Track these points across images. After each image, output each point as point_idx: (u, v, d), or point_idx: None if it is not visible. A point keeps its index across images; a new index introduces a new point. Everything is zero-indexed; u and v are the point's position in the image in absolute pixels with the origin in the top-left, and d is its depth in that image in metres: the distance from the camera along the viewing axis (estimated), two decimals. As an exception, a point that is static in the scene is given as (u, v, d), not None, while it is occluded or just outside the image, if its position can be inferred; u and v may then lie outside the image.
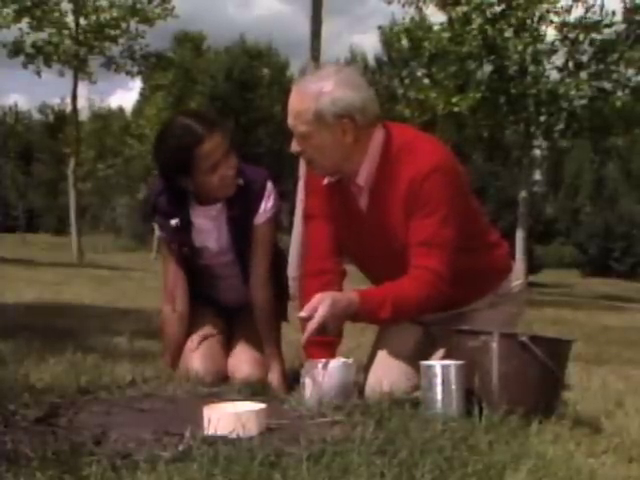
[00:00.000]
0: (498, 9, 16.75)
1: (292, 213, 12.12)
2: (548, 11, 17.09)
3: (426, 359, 2.24)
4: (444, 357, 2.27)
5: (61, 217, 40.52)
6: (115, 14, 21.36)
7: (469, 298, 2.49)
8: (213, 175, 2.51)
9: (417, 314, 2.38)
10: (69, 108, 25.06)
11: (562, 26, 17.30)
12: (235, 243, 2.68)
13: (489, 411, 2.01)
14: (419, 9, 17.44)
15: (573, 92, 16.75)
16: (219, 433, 1.78)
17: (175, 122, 2.55)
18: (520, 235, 17.23)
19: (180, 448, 1.64)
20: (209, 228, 2.68)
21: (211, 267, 2.76)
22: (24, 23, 20.81)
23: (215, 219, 2.66)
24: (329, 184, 2.42)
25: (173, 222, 2.65)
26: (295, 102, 2.28)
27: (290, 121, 2.31)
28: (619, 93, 17.29)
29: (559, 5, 17.14)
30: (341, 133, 2.27)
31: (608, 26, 17.09)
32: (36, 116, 59.50)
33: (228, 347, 2.76)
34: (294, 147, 2.34)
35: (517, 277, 2.64)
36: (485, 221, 2.58)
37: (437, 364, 2.10)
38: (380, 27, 26.91)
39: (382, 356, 2.56)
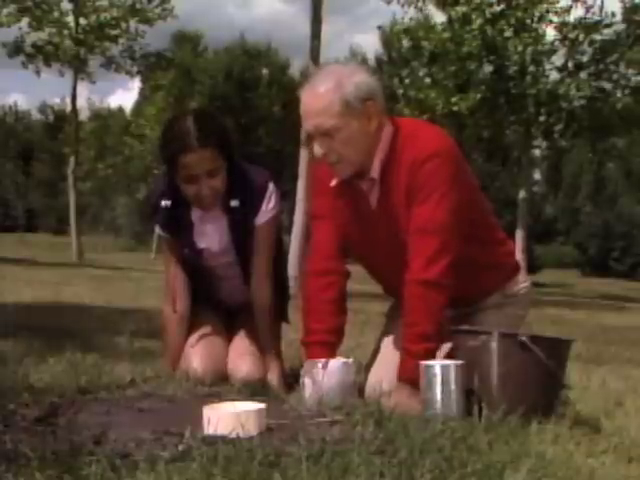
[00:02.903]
0: (498, 9, 16.76)
1: (292, 213, 12.13)
2: (548, 11, 17.13)
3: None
4: (446, 357, 2.26)
5: (61, 217, 40.53)
6: (115, 14, 21.37)
7: (477, 293, 2.46)
8: (190, 185, 2.51)
9: (443, 314, 2.30)
10: (69, 108, 25.07)
11: (562, 26, 17.32)
12: (236, 244, 2.67)
13: (489, 411, 2.01)
14: (419, 9, 17.46)
15: (573, 92, 16.76)
16: (219, 433, 1.78)
17: (180, 120, 2.52)
18: (520, 235, 17.26)
19: (180, 448, 1.64)
20: (210, 229, 2.67)
21: (212, 268, 2.76)
22: (24, 23, 20.83)
23: (216, 220, 2.66)
24: (338, 185, 2.41)
25: (164, 203, 2.63)
26: (314, 102, 2.26)
27: (312, 122, 2.27)
28: (619, 94, 17.31)
29: (559, 5, 17.16)
30: (367, 119, 2.27)
31: (608, 26, 17.11)
32: (36, 116, 59.57)
33: (228, 347, 2.76)
34: (317, 151, 2.31)
35: (524, 279, 2.62)
36: (493, 218, 2.57)
37: (436, 364, 2.10)
38: (380, 27, 26.95)
39: (384, 356, 2.56)
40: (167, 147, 2.50)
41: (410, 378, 2.19)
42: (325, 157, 2.32)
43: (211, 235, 2.68)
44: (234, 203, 2.60)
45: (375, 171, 2.34)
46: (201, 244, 2.69)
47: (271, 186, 2.64)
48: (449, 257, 2.25)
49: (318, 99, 2.25)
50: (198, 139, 2.44)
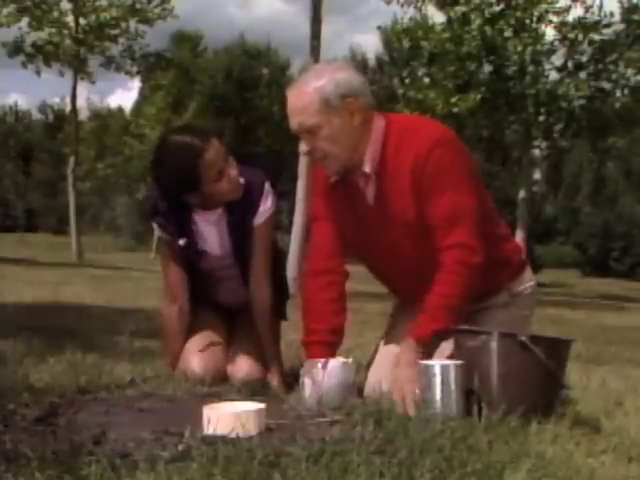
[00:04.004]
0: (497, 9, 16.75)
1: (292, 213, 12.13)
2: (547, 11, 17.11)
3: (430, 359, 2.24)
4: (447, 357, 2.26)
5: (61, 217, 40.50)
6: (115, 14, 21.37)
7: (484, 291, 2.44)
8: (222, 181, 2.51)
9: (470, 298, 2.32)
10: (69, 108, 25.08)
11: (561, 26, 17.31)
12: (235, 245, 2.67)
13: (488, 411, 2.01)
14: (418, 9, 17.45)
15: (572, 92, 16.76)
16: (218, 433, 1.78)
17: (171, 142, 2.52)
18: (520, 235, 17.23)
19: (179, 448, 1.65)
20: (211, 233, 2.67)
21: (211, 270, 2.76)
22: (24, 23, 20.84)
23: (216, 224, 2.66)
24: (335, 183, 2.42)
25: (181, 242, 2.65)
26: (297, 100, 2.29)
27: (295, 120, 2.30)
28: (618, 93, 17.31)
29: (558, 5, 17.15)
30: (349, 115, 2.29)
31: (607, 26, 17.10)
32: (36, 116, 59.53)
33: (228, 348, 2.76)
34: (303, 147, 2.35)
35: (530, 277, 2.59)
36: (496, 212, 2.55)
37: (436, 364, 2.10)
38: (379, 27, 26.97)
39: (384, 356, 2.56)
40: (181, 162, 2.46)
41: (422, 337, 2.24)
42: (311, 154, 2.35)
43: (212, 238, 2.68)
44: (232, 204, 2.60)
45: (367, 166, 2.34)
46: (201, 247, 2.69)
47: (267, 186, 2.65)
48: (479, 238, 2.26)
49: (299, 98, 2.29)
50: (201, 138, 2.47)
